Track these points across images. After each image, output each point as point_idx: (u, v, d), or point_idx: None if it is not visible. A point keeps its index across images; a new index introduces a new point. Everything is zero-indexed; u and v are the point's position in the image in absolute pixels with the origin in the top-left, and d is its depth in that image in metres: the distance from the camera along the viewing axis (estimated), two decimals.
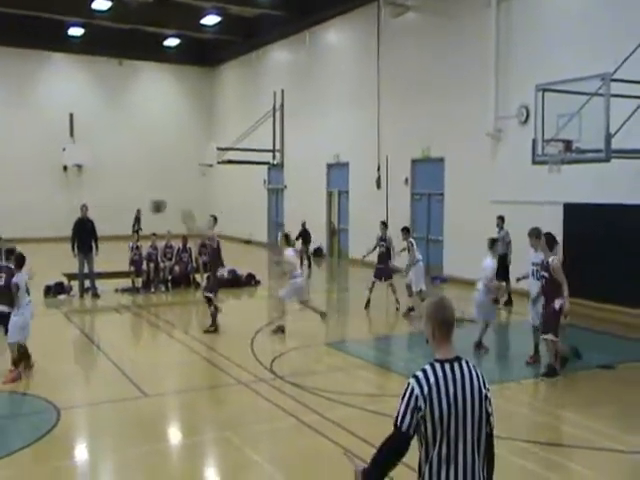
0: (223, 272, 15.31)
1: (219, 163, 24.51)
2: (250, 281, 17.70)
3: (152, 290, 16.50)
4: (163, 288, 16.69)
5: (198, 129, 32.86)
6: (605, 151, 10.62)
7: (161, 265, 16.78)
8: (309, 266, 21.42)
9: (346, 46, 23.32)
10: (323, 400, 8.12)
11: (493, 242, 10.56)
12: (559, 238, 14.06)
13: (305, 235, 22.11)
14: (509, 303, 14.22)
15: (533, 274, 9.69)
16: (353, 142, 22.23)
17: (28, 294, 9.09)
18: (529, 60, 15.41)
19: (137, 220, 26.83)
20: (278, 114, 26.62)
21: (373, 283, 14.03)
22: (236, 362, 9.82)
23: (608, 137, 10.49)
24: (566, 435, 7.25)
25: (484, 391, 3.16)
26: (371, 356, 10.27)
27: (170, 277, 16.90)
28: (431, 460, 3.10)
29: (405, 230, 13.85)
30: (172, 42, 30.14)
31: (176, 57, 31.63)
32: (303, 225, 22.45)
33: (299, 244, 21.95)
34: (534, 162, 12.10)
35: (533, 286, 9.66)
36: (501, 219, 14.60)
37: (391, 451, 3.11)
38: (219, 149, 24.60)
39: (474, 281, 15.09)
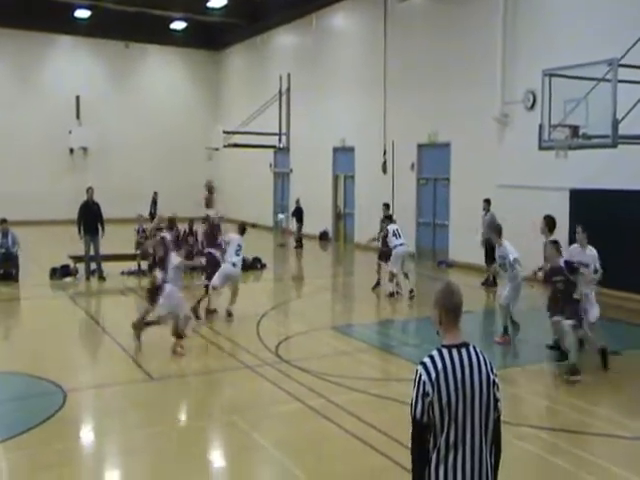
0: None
1: (225, 147, 24.48)
2: (256, 265, 17.73)
3: None
4: None
5: (204, 113, 32.76)
6: (612, 137, 10.54)
7: None
8: (300, 246, 21.68)
9: (353, 30, 23.12)
10: (328, 384, 8.15)
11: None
12: (565, 223, 14.12)
13: (299, 213, 22.33)
14: (494, 285, 14.42)
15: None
16: (359, 126, 22.12)
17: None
18: (536, 45, 15.26)
19: (154, 203, 26.75)
20: (284, 98, 26.53)
21: (379, 265, 14.11)
22: (242, 346, 9.86)
23: (615, 123, 10.41)
24: (571, 421, 7.25)
25: (492, 377, 3.15)
26: (376, 340, 10.29)
27: None
28: (439, 447, 3.10)
29: (386, 217, 14.28)
30: (178, 25, 29.97)
31: (182, 40, 31.46)
32: (297, 202, 22.67)
33: (294, 222, 22.40)
34: (541, 147, 12.03)
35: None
36: (487, 202, 14.72)
37: (414, 441, 3.13)
38: (225, 132, 24.55)
39: (479, 266, 15.22)
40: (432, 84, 18.68)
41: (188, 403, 7.99)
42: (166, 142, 31.58)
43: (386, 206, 14.89)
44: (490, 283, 14.69)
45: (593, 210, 13.55)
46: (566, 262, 8.79)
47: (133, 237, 16.96)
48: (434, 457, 3.11)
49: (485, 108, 16.60)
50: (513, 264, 9.83)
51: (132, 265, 16.52)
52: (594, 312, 9.07)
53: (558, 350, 9.27)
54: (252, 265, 17.62)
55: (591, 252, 9.22)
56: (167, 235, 10.85)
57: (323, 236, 23.71)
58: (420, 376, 3.08)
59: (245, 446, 6.47)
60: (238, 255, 11.51)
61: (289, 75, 26.42)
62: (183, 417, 7.62)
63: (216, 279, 11.49)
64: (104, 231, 15.77)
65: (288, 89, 26.55)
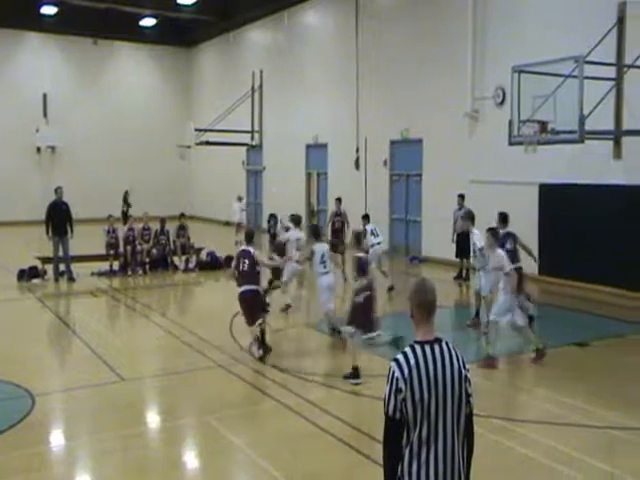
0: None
1: (197, 144, 24.29)
2: (229, 263, 17.59)
3: (129, 273, 16.35)
4: (140, 271, 16.54)
5: (176, 110, 32.42)
6: (579, 132, 10.71)
7: (138, 248, 16.61)
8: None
9: (325, 27, 23.09)
10: (303, 382, 8.14)
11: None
12: (535, 218, 14.30)
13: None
14: (467, 279, 14.59)
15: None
16: (332, 123, 22.11)
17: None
18: (505, 42, 15.41)
19: (125, 202, 26.37)
20: (256, 95, 26.41)
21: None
22: (215, 345, 9.78)
23: (582, 118, 10.57)
24: (542, 412, 7.34)
25: (464, 372, 3.16)
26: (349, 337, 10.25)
27: (148, 260, 16.75)
28: (412, 443, 3.10)
29: (364, 217, 14.46)
30: (148, 22, 29.58)
31: (153, 37, 31.08)
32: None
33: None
34: (510, 143, 12.17)
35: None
36: (461, 197, 14.85)
37: (387, 437, 3.14)
38: (197, 130, 24.35)
39: (452, 261, 15.31)
40: (404, 81, 18.75)
41: (160, 404, 7.90)
42: (137, 140, 31.20)
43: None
44: (464, 277, 14.81)
45: (561, 204, 13.77)
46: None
47: (103, 238, 16.72)
48: (407, 453, 3.11)
49: (456, 104, 16.71)
50: (477, 252, 10.05)
51: (103, 266, 16.32)
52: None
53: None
54: (225, 264, 17.51)
55: (497, 257, 9.16)
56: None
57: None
58: (393, 373, 3.10)
59: (219, 446, 6.42)
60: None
61: (261, 72, 26.30)
62: (155, 418, 7.52)
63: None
64: (73, 232, 15.52)
65: (260, 86, 26.43)
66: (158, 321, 11.71)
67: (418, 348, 3.13)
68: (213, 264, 17.26)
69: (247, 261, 8.96)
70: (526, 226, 10.50)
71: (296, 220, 12.07)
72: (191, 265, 17.16)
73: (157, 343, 10.40)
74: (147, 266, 16.69)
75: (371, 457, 5.79)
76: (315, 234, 10.41)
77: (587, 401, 7.46)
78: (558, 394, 7.81)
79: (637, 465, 5.85)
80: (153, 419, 7.49)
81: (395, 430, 3.09)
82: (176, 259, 17.24)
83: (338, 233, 15.12)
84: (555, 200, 13.89)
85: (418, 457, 3.08)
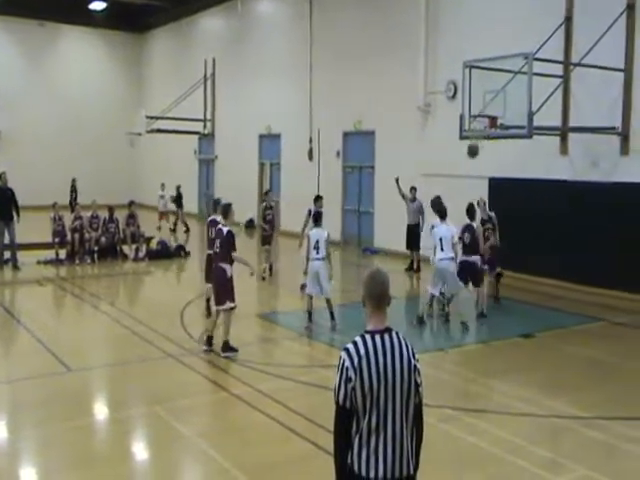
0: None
1: (148, 132, 23.84)
2: (179, 252, 17.41)
3: (77, 262, 15.97)
4: (89, 260, 16.18)
5: (126, 97, 31.73)
6: (527, 128, 10.95)
7: (87, 236, 16.23)
8: (187, 231, 22.26)
9: (279, 16, 22.93)
10: (254, 372, 8.11)
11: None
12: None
13: (179, 199, 23.18)
14: (418, 270, 14.78)
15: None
16: (285, 113, 22.01)
17: None
18: (458, 37, 15.60)
19: (73, 190, 25.65)
20: (209, 83, 26.07)
21: (264, 252, 14.67)
22: (166, 335, 9.65)
23: (530, 114, 10.81)
24: (491, 402, 7.51)
25: (413, 362, 3.20)
26: (302, 327, 10.29)
27: (96, 248, 16.39)
28: (361, 431, 3.13)
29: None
30: (98, 5, 28.76)
31: (103, 21, 30.29)
32: (178, 188, 22.93)
33: (174, 207, 22.85)
34: (461, 137, 12.34)
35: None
36: (414, 190, 15.03)
37: (337, 426, 3.17)
38: (148, 117, 23.88)
39: (404, 253, 15.48)
40: (357, 72, 18.78)
41: (108, 394, 7.77)
42: (85, 127, 30.44)
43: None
44: (415, 269, 15.00)
45: (510, 198, 14.06)
46: None
47: (49, 225, 16.27)
48: (356, 442, 3.14)
49: (409, 97, 16.85)
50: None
51: (49, 254, 15.88)
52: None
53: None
54: (176, 253, 17.31)
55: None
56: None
57: (249, 224, 23.52)
58: (343, 362, 3.12)
59: (168, 437, 6.35)
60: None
61: (214, 60, 25.97)
62: (103, 409, 7.38)
63: None
64: (19, 217, 15.08)
65: (213, 74, 26.10)
66: (107, 311, 11.48)
67: (368, 338, 3.16)
68: (164, 253, 17.03)
69: (219, 241, 8.70)
70: (475, 220, 10.71)
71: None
72: (141, 254, 16.87)
73: (106, 333, 10.21)
74: (95, 255, 16.32)
75: (323, 447, 5.82)
76: (315, 219, 10.51)
77: (533, 391, 7.67)
78: (505, 384, 8.01)
79: (579, 452, 6.05)
80: (101, 410, 7.35)
81: (345, 419, 3.12)
82: (126, 248, 16.92)
83: (269, 225, 14.54)
84: (504, 194, 14.19)
85: (367, 445, 3.12)
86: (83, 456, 5.94)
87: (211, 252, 9.46)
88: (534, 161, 13.64)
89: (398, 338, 3.21)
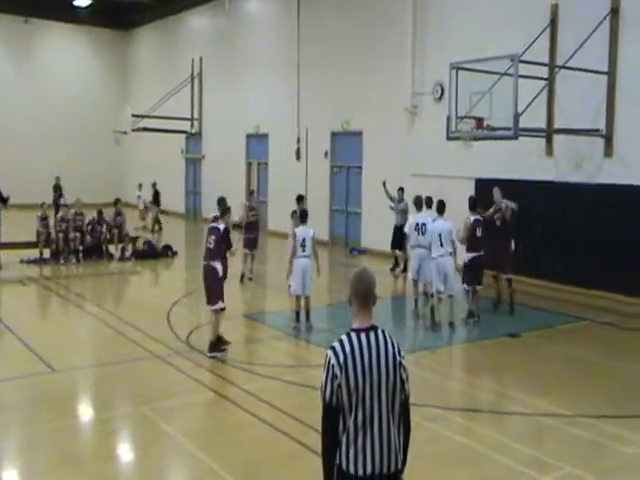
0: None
1: (134, 131, 23.66)
2: (166, 252, 17.34)
3: (61, 261, 15.84)
4: (73, 259, 16.05)
5: (112, 95, 31.52)
6: (513, 129, 11.02)
7: (71, 235, 16.11)
8: (160, 229, 22.18)
9: (266, 15, 22.90)
10: (241, 372, 8.11)
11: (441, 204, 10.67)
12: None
13: (156, 197, 23.03)
14: (405, 270, 14.75)
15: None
16: (273, 113, 21.98)
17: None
18: (444, 38, 15.66)
19: (57, 188, 25.20)
20: (196, 82, 25.98)
21: (245, 255, 13.76)
22: (152, 335, 9.61)
23: (516, 116, 10.89)
24: (477, 400, 7.56)
25: (398, 358, 3.23)
26: (288, 327, 10.30)
27: (81, 248, 16.26)
28: (348, 428, 3.16)
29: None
30: (83, 2, 28.55)
31: (88, 18, 30.04)
32: (154, 186, 22.79)
33: (152, 205, 22.75)
34: (448, 138, 12.41)
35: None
36: (401, 190, 15.06)
37: (324, 425, 3.20)
38: (134, 116, 23.74)
39: (391, 253, 15.51)
40: (345, 72, 18.80)
41: (93, 395, 7.72)
42: (71, 124, 30.21)
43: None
44: (402, 269, 14.96)
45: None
46: None
47: (34, 224, 16.13)
48: (344, 439, 3.17)
49: (396, 98, 16.90)
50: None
51: (33, 253, 15.74)
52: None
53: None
54: (163, 252, 17.24)
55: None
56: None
57: (237, 224, 23.44)
58: (329, 360, 3.16)
59: (154, 437, 6.32)
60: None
61: (201, 59, 25.88)
62: (88, 410, 7.33)
63: None
64: (6, 204, 14.85)
65: (200, 73, 26.01)
66: (92, 311, 11.41)
67: (354, 336, 3.20)
68: (150, 253, 16.95)
69: (214, 237, 8.72)
70: (462, 220, 10.76)
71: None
72: (127, 254, 16.78)
73: (91, 334, 10.15)
74: (80, 254, 16.20)
75: (310, 446, 5.83)
76: (300, 218, 10.43)
77: (518, 390, 7.73)
78: (491, 383, 8.07)
79: (564, 450, 6.10)
80: (86, 411, 7.31)
81: (332, 416, 3.16)
82: (112, 247, 16.82)
83: (253, 227, 13.92)
84: (491, 195, 14.24)
85: (355, 443, 3.15)
86: (68, 457, 5.90)
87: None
88: (520, 162, 13.73)
89: (383, 335, 3.25)
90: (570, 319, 11.08)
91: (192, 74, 26.00)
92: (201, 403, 7.33)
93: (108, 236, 16.79)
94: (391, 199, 15.11)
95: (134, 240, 17.56)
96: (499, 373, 8.43)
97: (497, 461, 5.84)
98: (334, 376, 3.12)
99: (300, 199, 12.71)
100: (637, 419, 6.87)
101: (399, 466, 3.23)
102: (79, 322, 10.92)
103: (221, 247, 8.71)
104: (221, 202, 9.37)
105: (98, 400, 7.49)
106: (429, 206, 11.11)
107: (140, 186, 23.92)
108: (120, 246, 16.84)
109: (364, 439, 3.14)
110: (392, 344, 3.23)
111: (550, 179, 13.33)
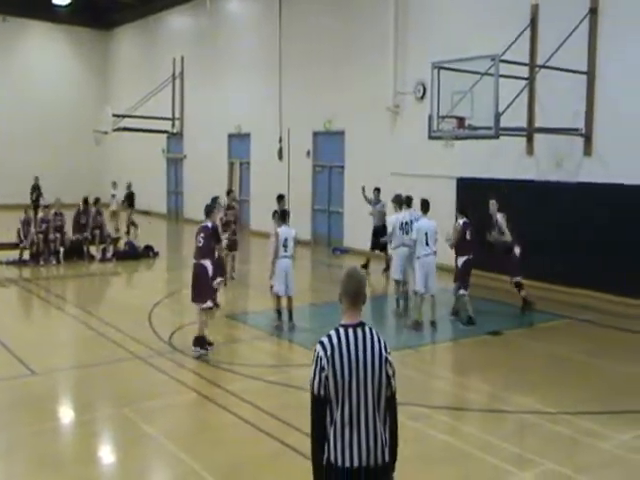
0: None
1: (115, 130, 23.47)
2: (148, 253, 17.21)
3: (41, 263, 15.65)
4: (54, 261, 15.87)
5: (92, 95, 31.23)
6: (494, 128, 11.09)
7: (51, 236, 15.92)
8: (135, 229, 21.41)
9: (248, 14, 22.83)
10: (224, 372, 8.07)
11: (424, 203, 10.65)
12: (452, 211, 14.72)
13: (130, 198, 22.27)
14: (387, 269, 14.71)
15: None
16: (255, 112, 21.93)
17: None
18: (426, 38, 15.71)
19: (36, 189, 24.78)
20: (177, 81, 25.84)
21: (226, 255, 13.13)
22: (133, 336, 9.53)
23: (497, 115, 10.96)
24: (460, 399, 7.59)
25: (384, 354, 3.31)
26: (271, 327, 10.27)
27: (62, 249, 16.09)
28: (335, 422, 3.23)
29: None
30: (63, 1, 28.27)
31: (68, 17, 29.74)
32: (129, 187, 22.37)
33: (124, 206, 22.15)
34: (430, 137, 12.44)
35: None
36: (377, 191, 15.08)
37: (312, 416, 3.27)
38: (115, 116, 23.55)
39: (374, 253, 15.52)
40: (327, 72, 18.80)
41: (74, 397, 7.63)
42: (51, 124, 29.88)
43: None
44: (385, 268, 14.96)
45: (477, 199, 14.18)
46: None
47: (14, 225, 15.92)
48: (331, 433, 3.23)
49: (378, 97, 16.92)
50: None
51: (12, 255, 15.54)
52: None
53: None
54: (144, 253, 17.11)
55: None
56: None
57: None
58: (318, 353, 3.26)
59: (136, 438, 6.27)
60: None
61: (182, 58, 25.75)
62: (69, 412, 7.25)
63: None
64: None
65: (181, 72, 25.87)
66: (73, 313, 11.30)
67: (342, 330, 3.30)
68: (131, 254, 16.82)
69: (202, 235, 8.70)
70: (443, 219, 10.82)
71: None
72: (108, 255, 16.64)
73: (71, 335, 10.05)
74: (61, 255, 16.03)
75: (292, 446, 5.81)
76: (281, 218, 10.36)
77: (500, 387, 7.78)
78: (474, 381, 8.10)
79: (546, 447, 6.14)
80: (67, 413, 7.23)
81: (319, 407, 3.24)
82: (93, 248, 16.67)
83: (230, 227, 13.45)
84: (472, 194, 14.33)
85: (342, 438, 3.22)
86: (48, 459, 5.82)
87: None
88: (501, 161, 13.82)
89: (371, 332, 3.33)
90: (551, 317, 11.17)
91: (173, 74, 25.86)
92: (183, 404, 7.28)
93: (90, 237, 16.62)
94: (370, 202, 15.12)
95: (115, 241, 17.41)
96: (483, 371, 8.46)
97: (481, 459, 5.86)
98: (322, 368, 3.20)
99: (280, 199, 12.69)
100: (616, 415, 6.94)
101: (386, 459, 3.29)
102: (59, 324, 10.81)
103: (210, 245, 8.69)
104: (212, 202, 9.43)
105: (79, 402, 7.41)
106: (409, 205, 11.15)
107: (114, 184, 23.07)
108: (101, 247, 16.69)
109: (351, 433, 3.22)
110: (379, 340, 3.33)
111: (531, 178, 13.43)
